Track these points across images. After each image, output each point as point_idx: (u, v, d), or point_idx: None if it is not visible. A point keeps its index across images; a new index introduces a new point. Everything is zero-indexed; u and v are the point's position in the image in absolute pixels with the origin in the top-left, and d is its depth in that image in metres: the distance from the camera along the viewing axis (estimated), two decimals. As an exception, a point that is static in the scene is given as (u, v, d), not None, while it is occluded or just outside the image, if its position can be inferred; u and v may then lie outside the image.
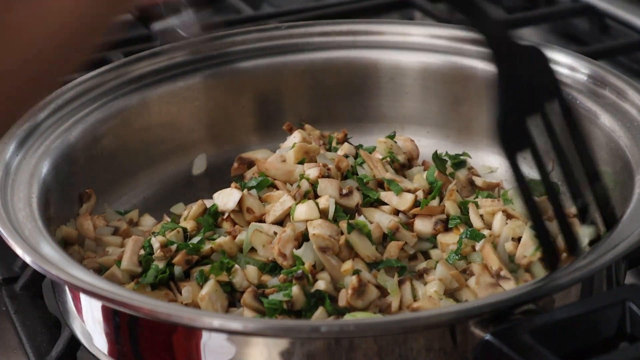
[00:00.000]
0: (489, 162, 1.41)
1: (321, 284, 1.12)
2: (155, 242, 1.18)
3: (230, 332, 0.99)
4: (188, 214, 1.27)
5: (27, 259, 1.04)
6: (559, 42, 1.94)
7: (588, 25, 1.95)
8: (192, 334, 1.00)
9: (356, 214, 1.24)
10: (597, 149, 1.27)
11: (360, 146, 1.39)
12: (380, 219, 1.24)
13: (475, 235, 1.20)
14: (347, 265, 1.16)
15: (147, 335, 1.04)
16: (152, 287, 1.16)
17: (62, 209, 1.26)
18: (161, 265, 1.17)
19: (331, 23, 1.50)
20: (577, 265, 1.01)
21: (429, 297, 1.14)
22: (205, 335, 1.00)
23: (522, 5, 2.09)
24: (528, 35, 1.92)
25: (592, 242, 1.10)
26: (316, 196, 1.25)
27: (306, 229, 1.19)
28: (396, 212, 1.26)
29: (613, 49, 1.80)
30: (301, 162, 1.32)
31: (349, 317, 1.10)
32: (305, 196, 1.24)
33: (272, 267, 1.18)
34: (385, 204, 1.27)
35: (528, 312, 0.97)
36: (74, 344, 1.15)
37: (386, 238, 1.22)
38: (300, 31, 1.49)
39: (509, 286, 1.13)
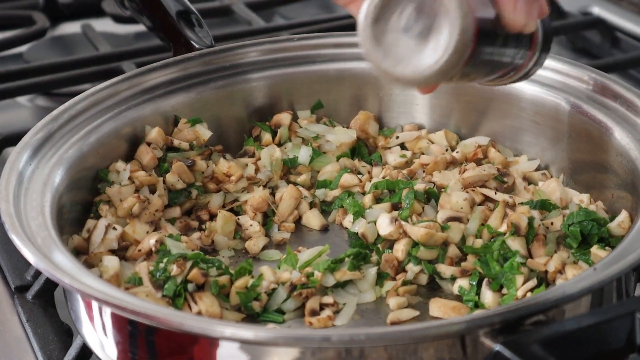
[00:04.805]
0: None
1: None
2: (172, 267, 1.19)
3: (242, 342, 0.99)
4: None
5: (40, 267, 1.05)
6: (570, 55, 1.95)
7: (599, 38, 1.96)
8: (205, 342, 1.01)
9: None
10: (607, 161, 1.28)
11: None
12: None
13: None
14: None
15: (159, 343, 1.04)
16: (172, 299, 1.16)
17: (74, 218, 1.26)
18: (179, 279, 1.17)
19: (343, 35, 1.51)
20: (587, 276, 1.02)
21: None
22: (217, 344, 1.00)
23: (533, 18, 2.09)
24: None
25: None
26: None
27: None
28: None
29: (624, 62, 1.81)
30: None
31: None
32: None
33: None
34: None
35: (538, 322, 0.97)
36: (85, 352, 1.15)
37: None
38: (311, 43, 1.50)
39: None
